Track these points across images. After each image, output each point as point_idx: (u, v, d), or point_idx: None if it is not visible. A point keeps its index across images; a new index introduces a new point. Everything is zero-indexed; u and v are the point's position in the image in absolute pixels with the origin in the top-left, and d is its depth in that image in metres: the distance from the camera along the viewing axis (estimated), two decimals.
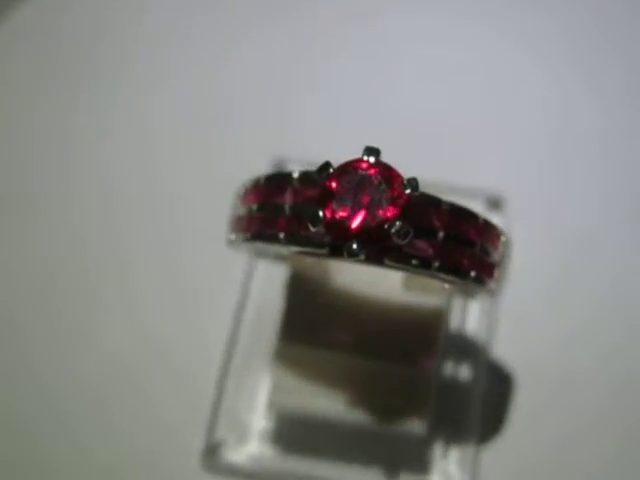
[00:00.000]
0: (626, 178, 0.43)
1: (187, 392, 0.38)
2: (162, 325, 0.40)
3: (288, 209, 0.29)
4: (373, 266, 0.29)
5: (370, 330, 0.35)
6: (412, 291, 0.36)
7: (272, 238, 0.29)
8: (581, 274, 0.40)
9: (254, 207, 0.31)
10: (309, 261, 0.36)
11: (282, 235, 0.29)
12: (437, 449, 0.37)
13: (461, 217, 0.29)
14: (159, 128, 0.44)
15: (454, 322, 0.39)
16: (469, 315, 0.39)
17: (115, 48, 0.47)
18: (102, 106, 0.45)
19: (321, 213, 0.27)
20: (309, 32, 0.46)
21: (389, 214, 0.27)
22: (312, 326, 0.36)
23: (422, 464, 0.37)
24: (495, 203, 0.40)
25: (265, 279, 0.40)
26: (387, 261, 0.28)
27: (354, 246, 0.27)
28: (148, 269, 0.41)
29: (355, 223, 0.27)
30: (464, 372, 0.38)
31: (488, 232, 0.30)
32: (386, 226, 0.27)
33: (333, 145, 0.41)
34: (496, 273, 0.31)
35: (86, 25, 0.47)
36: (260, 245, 0.31)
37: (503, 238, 0.31)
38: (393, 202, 0.27)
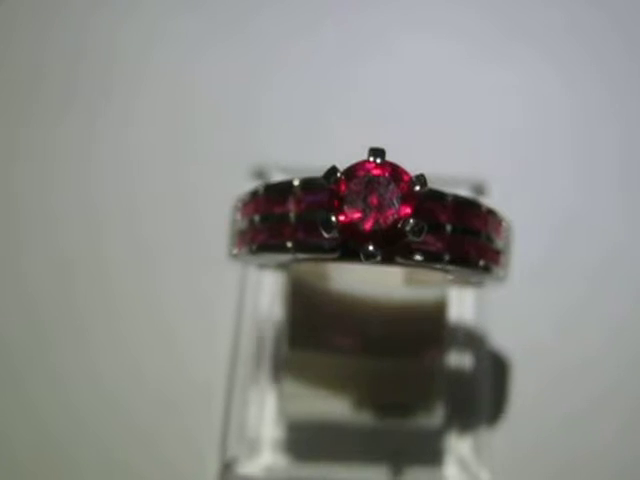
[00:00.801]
0: (607, 158, 0.43)
1: (194, 412, 0.38)
2: (162, 350, 0.39)
3: (293, 217, 0.29)
4: (383, 266, 0.28)
5: (375, 329, 0.35)
6: (413, 285, 0.36)
7: (280, 248, 0.29)
8: (568, 254, 0.41)
9: (256, 218, 0.30)
10: (307, 267, 0.36)
11: (290, 244, 0.29)
12: (450, 438, 0.37)
13: (465, 208, 0.29)
14: (138, 142, 0.44)
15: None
16: (464, 304, 0.39)
17: (94, 60, 0.46)
18: (82, 119, 0.44)
19: (333, 218, 0.27)
20: (282, 36, 0.46)
21: (402, 213, 0.27)
22: (318, 331, 0.36)
23: (437, 454, 0.37)
24: (479, 190, 0.40)
25: (258, 289, 0.39)
26: (399, 259, 0.28)
27: (370, 248, 0.27)
28: (137, 291, 0.41)
29: (369, 225, 0.27)
30: (468, 360, 0.38)
31: (491, 220, 0.30)
32: (400, 225, 0.27)
33: (311, 149, 0.42)
34: (502, 259, 0.31)
35: (68, 41, 0.46)
36: (265, 256, 0.31)
37: (505, 224, 0.31)
38: (404, 200, 0.27)
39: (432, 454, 0.37)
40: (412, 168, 0.28)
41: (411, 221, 0.27)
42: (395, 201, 0.27)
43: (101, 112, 0.44)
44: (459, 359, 0.38)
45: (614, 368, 0.39)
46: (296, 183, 0.29)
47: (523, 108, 0.44)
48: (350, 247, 0.28)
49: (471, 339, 0.38)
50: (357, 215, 0.27)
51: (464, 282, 0.36)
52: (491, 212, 0.30)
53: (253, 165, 0.41)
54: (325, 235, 0.27)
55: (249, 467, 0.37)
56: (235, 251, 0.32)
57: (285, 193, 0.29)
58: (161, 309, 0.40)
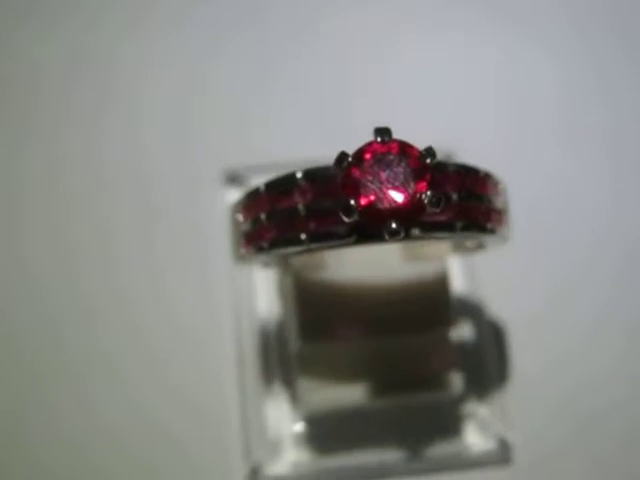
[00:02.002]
0: (591, 124, 0.44)
1: (211, 422, 0.38)
2: (169, 364, 0.39)
3: (302, 209, 0.29)
4: (397, 242, 0.29)
5: (382, 310, 0.36)
6: (411, 261, 0.36)
7: (293, 241, 0.29)
8: (544, 217, 0.42)
9: (262, 217, 0.30)
10: (304, 259, 0.36)
11: (304, 236, 0.29)
12: (469, 406, 0.38)
13: (466, 175, 0.30)
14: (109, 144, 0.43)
15: None
16: (455, 275, 0.39)
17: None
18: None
19: (352, 202, 0.27)
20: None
21: (418, 187, 0.27)
22: (326, 322, 0.36)
23: (458, 424, 0.38)
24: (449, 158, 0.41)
25: (251, 289, 0.39)
26: (415, 233, 0.28)
27: (393, 225, 0.27)
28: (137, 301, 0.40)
29: (388, 204, 0.27)
30: (470, 328, 0.39)
31: (489, 183, 0.31)
32: (417, 199, 0.27)
33: (280, 144, 0.42)
34: (504, 219, 0.32)
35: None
36: (277, 252, 0.30)
37: (501, 185, 0.32)
38: (418, 174, 0.27)
39: (453, 424, 0.38)
40: None
41: (429, 193, 0.27)
42: (409, 176, 0.27)
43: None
44: (462, 328, 0.38)
45: (610, 326, 0.40)
46: (299, 175, 0.29)
47: (506, 81, 0.45)
48: (366, 229, 0.28)
49: (469, 308, 0.39)
50: (374, 196, 0.27)
51: (462, 250, 0.36)
52: (488, 175, 0.31)
53: (224, 170, 0.41)
54: (346, 220, 0.27)
55: (275, 467, 0.37)
56: (243, 251, 0.32)
57: (289, 187, 0.29)
58: (169, 321, 0.40)
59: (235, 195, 0.40)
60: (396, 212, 0.27)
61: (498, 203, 0.31)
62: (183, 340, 0.39)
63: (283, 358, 0.38)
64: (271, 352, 0.38)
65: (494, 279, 0.39)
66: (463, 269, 0.39)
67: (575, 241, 0.42)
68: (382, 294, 0.36)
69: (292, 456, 0.37)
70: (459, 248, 0.36)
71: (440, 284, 0.36)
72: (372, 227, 0.28)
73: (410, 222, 0.27)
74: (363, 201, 0.27)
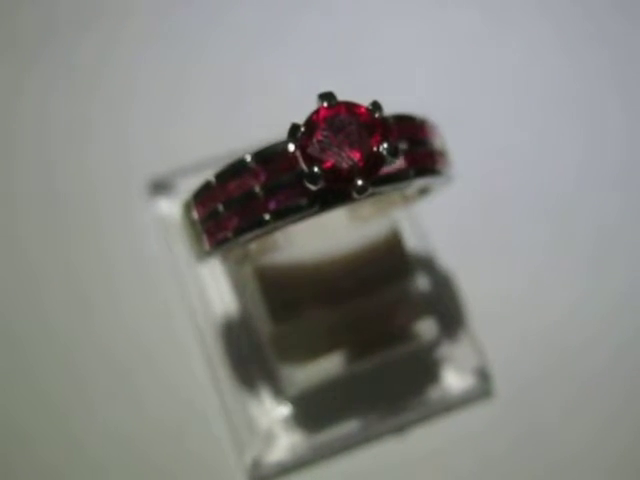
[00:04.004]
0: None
1: (198, 432, 0.38)
2: (136, 381, 0.38)
3: (259, 191, 0.29)
4: (361, 200, 0.29)
5: (344, 276, 0.36)
6: (358, 224, 0.37)
7: (258, 224, 0.29)
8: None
9: (220, 208, 0.30)
10: (256, 245, 0.36)
11: (268, 216, 0.29)
12: (440, 348, 0.39)
13: (405, 123, 0.31)
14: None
15: None
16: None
17: None
18: None
19: (316, 169, 0.27)
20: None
21: (373, 141, 0.28)
22: (292, 301, 0.36)
23: (435, 367, 0.39)
24: None
25: (201, 287, 0.39)
26: (372, 189, 0.29)
27: (360, 182, 0.27)
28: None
29: (348, 163, 0.28)
30: (425, 276, 0.40)
31: (426, 127, 0.32)
32: (376, 151, 0.28)
33: (198, 142, 0.42)
34: (447, 160, 0.33)
35: None
36: (242, 239, 0.30)
37: (434, 128, 0.33)
38: (371, 129, 0.28)
39: (431, 371, 0.38)
40: None
41: (385, 145, 0.28)
42: (363, 133, 0.28)
43: None
44: (419, 277, 0.39)
45: (563, 254, 0.42)
46: (249, 159, 0.29)
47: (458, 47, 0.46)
48: (330, 194, 0.28)
49: (420, 257, 0.40)
50: (334, 159, 0.28)
51: (404, 201, 0.37)
52: (424, 120, 0.32)
53: (148, 179, 0.41)
54: (312, 188, 0.28)
55: (274, 454, 0.37)
56: (207, 247, 0.31)
57: (240, 172, 0.30)
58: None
59: (163, 201, 0.40)
60: (359, 169, 0.28)
61: (437, 145, 0.32)
62: (145, 356, 0.38)
63: (252, 346, 0.38)
64: (238, 344, 0.38)
65: (438, 226, 0.40)
66: (408, 221, 0.40)
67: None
68: (340, 261, 0.36)
69: (286, 439, 0.37)
70: (401, 199, 0.36)
71: (393, 239, 0.37)
72: (338, 190, 0.28)
73: (373, 176, 0.28)
74: (326, 166, 0.27)
